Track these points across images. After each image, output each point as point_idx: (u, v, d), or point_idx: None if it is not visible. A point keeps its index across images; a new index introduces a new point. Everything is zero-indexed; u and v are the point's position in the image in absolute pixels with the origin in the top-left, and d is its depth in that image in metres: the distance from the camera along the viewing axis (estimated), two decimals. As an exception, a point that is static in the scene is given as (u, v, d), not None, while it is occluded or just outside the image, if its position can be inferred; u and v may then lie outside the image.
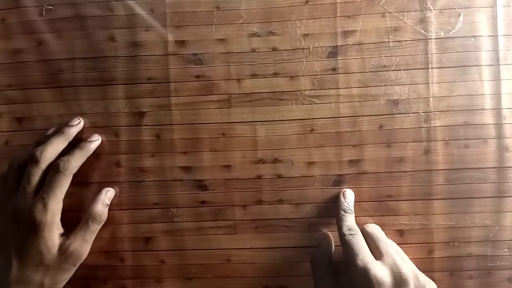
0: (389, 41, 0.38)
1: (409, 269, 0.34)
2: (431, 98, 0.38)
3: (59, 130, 0.37)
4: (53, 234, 0.35)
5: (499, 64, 0.38)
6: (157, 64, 0.39)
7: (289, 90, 0.38)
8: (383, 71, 0.38)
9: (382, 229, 0.37)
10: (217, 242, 0.39)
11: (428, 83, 0.38)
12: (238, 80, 0.39)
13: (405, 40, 0.38)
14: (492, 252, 0.38)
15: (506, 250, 0.38)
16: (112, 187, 0.39)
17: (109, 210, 0.38)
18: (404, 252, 0.37)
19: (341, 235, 0.35)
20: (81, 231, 0.36)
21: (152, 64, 0.39)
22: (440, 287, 0.37)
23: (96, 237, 0.38)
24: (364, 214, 0.38)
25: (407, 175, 0.38)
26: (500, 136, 0.38)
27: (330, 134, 0.38)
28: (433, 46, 0.38)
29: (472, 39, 0.38)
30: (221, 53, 0.39)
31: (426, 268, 0.37)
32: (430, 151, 0.38)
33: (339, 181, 0.38)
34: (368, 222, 0.38)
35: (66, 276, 0.37)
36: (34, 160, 0.35)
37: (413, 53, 0.38)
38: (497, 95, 0.38)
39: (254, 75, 0.39)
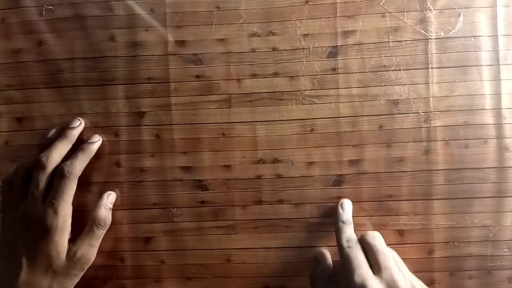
0: (389, 41, 0.38)
1: (407, 283, 0.33)
2: (431, 98, 0.38)
3: (62, 133, 0.37)
4: (64, 238, 0.36)
5: (499, 64, 0.38)
6: (157, 64, 0.39)
7: (289, 90, 0.38)
8: (383, 71, 0.38)
9: (382, 229, 0.37)
10: (217, 242, 0.39)
11: (428, 83, 0.38)
12: (238, 80, 0.39)
13: (405, 40, 0.38)
14: (492, 252, 0.38)
15: (506, 250, 0.38)
16: (112, 187, 0.39)
17: (109, 210, 0.38)
18: (404, 252, 0.37)
19: (340, 247, 0.35)
20: (86, 237, 0.37)
21: (152, 64, 0.39)
22: (440, 287, 0.37)
23: (96, 237, 0.38)
24: (364, 214, 0.38)
25: (407, 175, 0.38)
26: (500, 136, 0.38)
27: (330, 134, 0.38)
28: (433, 46, 0.38)
29: (472, 39, 0.38)
30: (221, 53, 0.39)
31: (426, 268, 0.37)
32: (430, 151, 0.38)
33: (339, 181, 0.38)
34: (367, 223, 0.38)
35: (74, 281, 0.37)
36: (40, 166, 0.35)
37: (413, 53, 0.38)
38: (497, 95, 0.38)
39: (254, 75, 0.39)
